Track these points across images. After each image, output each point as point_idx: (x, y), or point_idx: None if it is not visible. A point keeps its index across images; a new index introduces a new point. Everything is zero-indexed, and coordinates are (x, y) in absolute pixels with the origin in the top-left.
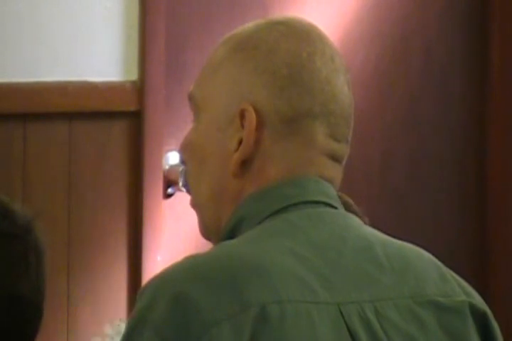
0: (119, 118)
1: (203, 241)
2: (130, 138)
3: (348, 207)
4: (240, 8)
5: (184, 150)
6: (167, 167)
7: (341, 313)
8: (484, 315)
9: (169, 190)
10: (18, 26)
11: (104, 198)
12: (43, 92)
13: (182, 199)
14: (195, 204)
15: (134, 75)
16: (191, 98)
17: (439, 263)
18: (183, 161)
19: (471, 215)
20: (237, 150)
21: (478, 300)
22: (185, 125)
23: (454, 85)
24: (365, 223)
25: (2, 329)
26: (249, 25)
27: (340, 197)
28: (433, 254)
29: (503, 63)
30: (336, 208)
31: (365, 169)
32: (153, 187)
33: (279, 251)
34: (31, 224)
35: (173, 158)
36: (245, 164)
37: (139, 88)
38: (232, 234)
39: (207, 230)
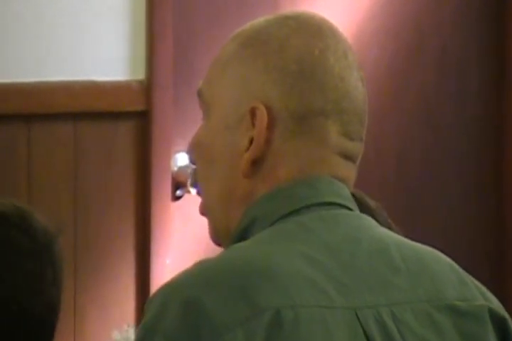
0: (125, 118)
1: (213, 243)
2: (137, 138)
3: (362, 202)
4: (249, 6)
5: (193, 149)
6: (175, 168)
7: (358, 318)
8: (504, 320)
9: (178, 192)
10: (23, 26)
11: (110, 200)
12: (49, 92)
13: (191, 201)
14: (204, 206)
15: (141, 74)
16: (200, 95)
17: (456, 266)
18: (192, 161)
19: (489, 214)
20: (248, 149)
21: (496, 304)
22: (193, 125)
23: (470, 82)
24: (380, 218)
25: None
26: (259, 20)
27: (354, 193)
28: (449, 255)
29: None
30: (350, 209)
31: (380, 168)
32: (162, 189)
33: (291, 254)
34: (52, 241)
35: (181, 159)
36: (256, 164)
37: (146, 87)
38: (243, 235)
39: (217, 233)
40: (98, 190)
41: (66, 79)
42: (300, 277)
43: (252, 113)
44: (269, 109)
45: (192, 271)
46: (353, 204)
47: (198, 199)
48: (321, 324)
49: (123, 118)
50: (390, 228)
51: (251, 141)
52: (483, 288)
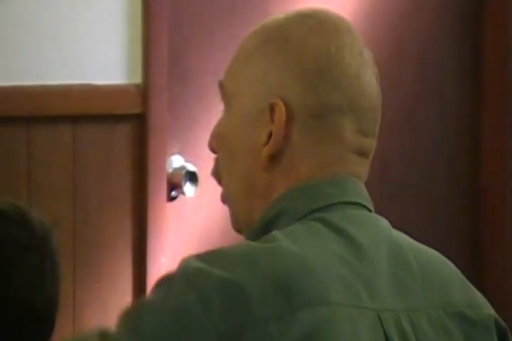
0: (122, 121)
1: (207, 243)
2: (134, 141)
3: None
4: (241, 13)
5: (214, 139)
6: (170, 170)
7: (380, 320)
8: (505, 330)
9: (173, 193)
10: (22, 29)
11: (108, 201)
12: (47, 95)
13: (185, 202)
14: (226, 197)
15: (137, 78)
16: (221, 87)
17: (457, 269)
18: (212, 150)
19: (465, 215)
20: (266, 143)
21: (494, 312)
22: (188, 128)
23: (447, 88)
24: None
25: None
26: (279, 17)
27: None
28: None
29: (496, 65)
30: (369, 210)
31: None
32: (157, 190)
33: (324, 252)
34: (49, 235)
35: (176, 161)
36: (275, 158)
37: (143, 91)
38: (268, 226)
39: (237, 221)
40: (96, 190)
41: (65, 82)
42: (333, 275)
43: (271, 109)
44: (287, 105)
45: (235, 251)
46: (371, 205)
47: (192, 201)
48: (350, 323)
49: (120, 120)
50: None
51: (270, 136)
52: (480, 293)
